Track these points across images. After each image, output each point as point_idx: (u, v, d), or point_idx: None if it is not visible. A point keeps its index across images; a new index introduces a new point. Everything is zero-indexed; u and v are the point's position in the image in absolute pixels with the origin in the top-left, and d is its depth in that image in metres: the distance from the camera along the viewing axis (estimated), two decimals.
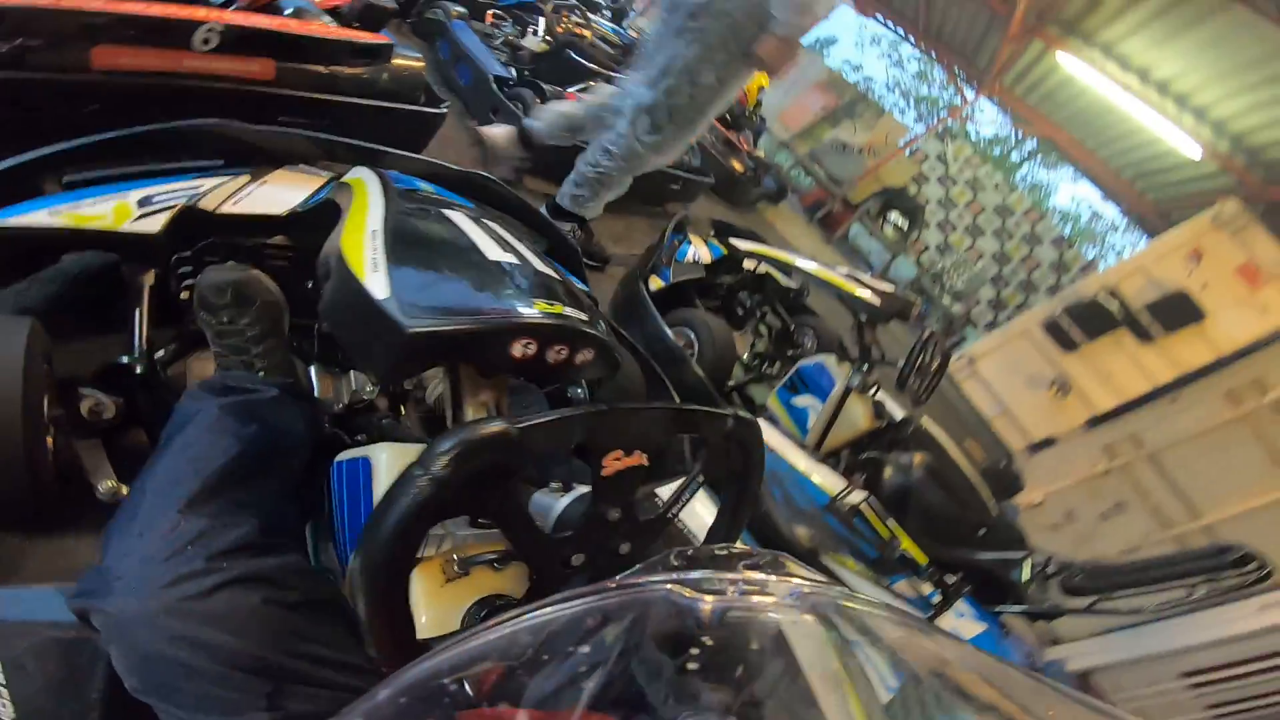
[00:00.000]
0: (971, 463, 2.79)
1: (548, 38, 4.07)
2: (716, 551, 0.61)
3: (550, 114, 3.01)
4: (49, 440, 1.04)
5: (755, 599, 0.50)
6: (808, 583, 0.51)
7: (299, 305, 1.38)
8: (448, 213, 1.22)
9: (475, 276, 1.00)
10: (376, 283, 0.87)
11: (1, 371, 0.95)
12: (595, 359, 0.97)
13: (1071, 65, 7.03)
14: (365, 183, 1.21)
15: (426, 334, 0.81)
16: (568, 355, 0.93)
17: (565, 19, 4.19)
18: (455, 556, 0.88)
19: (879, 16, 9.57)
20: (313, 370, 1.45)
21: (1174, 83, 6.29)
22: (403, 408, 1.60)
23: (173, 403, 1.26)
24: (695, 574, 0.50)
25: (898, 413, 2.72)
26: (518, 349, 0.87)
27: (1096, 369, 5.92)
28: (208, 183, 1.30)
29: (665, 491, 0.90)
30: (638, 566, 0.56)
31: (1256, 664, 2.36)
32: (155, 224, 1.18)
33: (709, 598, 0.48)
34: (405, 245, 0.98)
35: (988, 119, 11.62)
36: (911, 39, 9.63)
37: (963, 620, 1.86)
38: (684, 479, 0.83)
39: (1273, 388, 3.50)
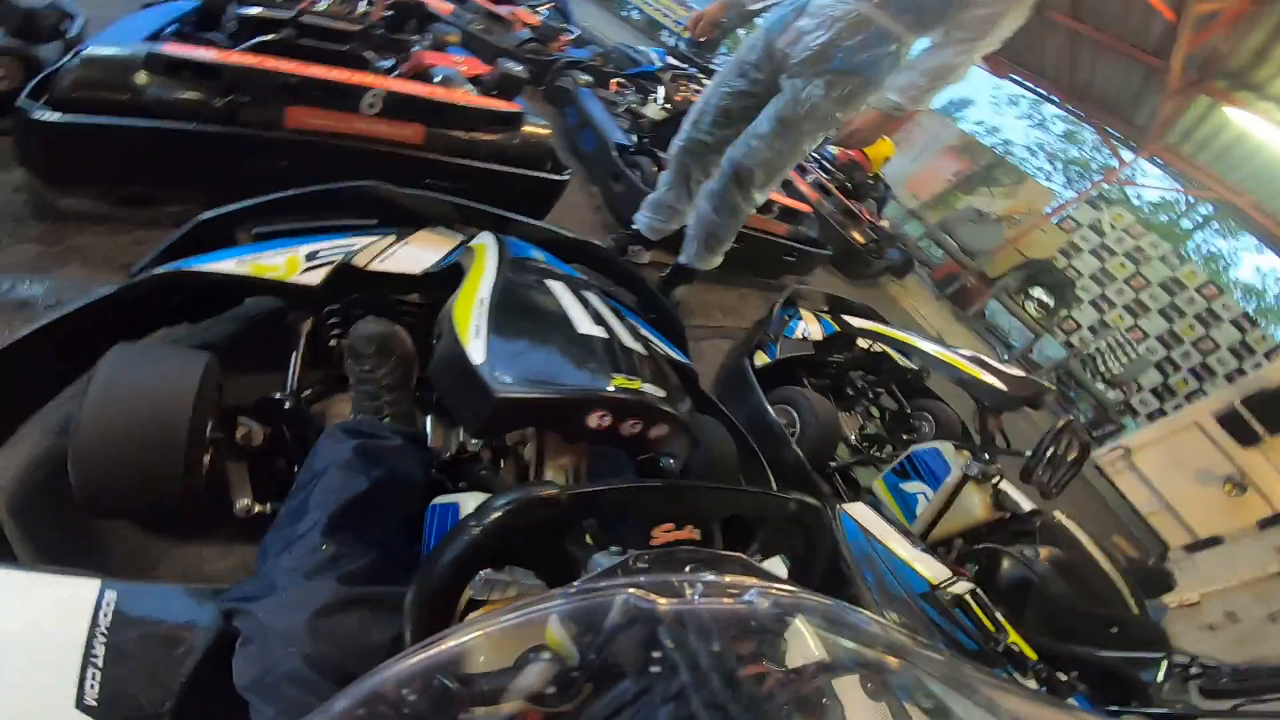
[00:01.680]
0: (1113, 559, 2.51)
1: (666, 106, 4.23)
2: (675, 554, 0.67)
3: (648, 213, 3.05)
4: (205, 458, 1.14)
5: (714, 601, 0.53)
6: (765, 584, 0.55)
7: (425, 359, 1.54)
8: (550, 283, 1.34)
9: (563, 348, 1.10)
10: (476, 348, 0.98)
11: (177, 396, 1.06)
12: (669, 434, 1.05)
13: (1243, 120, 6.49)
14: (485, 250, 1.35)
15: (511, 399, 0.92)
16: (641, 429, 1.01)
17: (683, 87, 4.34)
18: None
19: (1014, 77, 9.23)
20: (429, 419, 1.57)
21: None
22: (503, 461, 1.73)
23: (312, 437, 1.40)
24: (655, 578, 0.53)
25: (1024, 505, 2.52)
26: (593, 420, 0.97)
27: None
28: (360, 241, 1.47)
29: None
30: (597, 571, 0.62)
31: None
32: (317, 277, 1.34)
33: (666, 600, 0.50)
34: (506, 314, 1.10)
35: (1151, 182, 10.59)
36: (1055, 99, 9.19)
37: None
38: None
39: None
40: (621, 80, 4.64)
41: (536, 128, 2.52)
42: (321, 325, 1.49)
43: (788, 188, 5.06)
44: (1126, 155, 8.50)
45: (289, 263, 1.35)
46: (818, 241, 4.57)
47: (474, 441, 1.59)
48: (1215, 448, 5.50)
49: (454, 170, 2.25)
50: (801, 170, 6.21)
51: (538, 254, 1.54)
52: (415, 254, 1.52)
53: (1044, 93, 9.27)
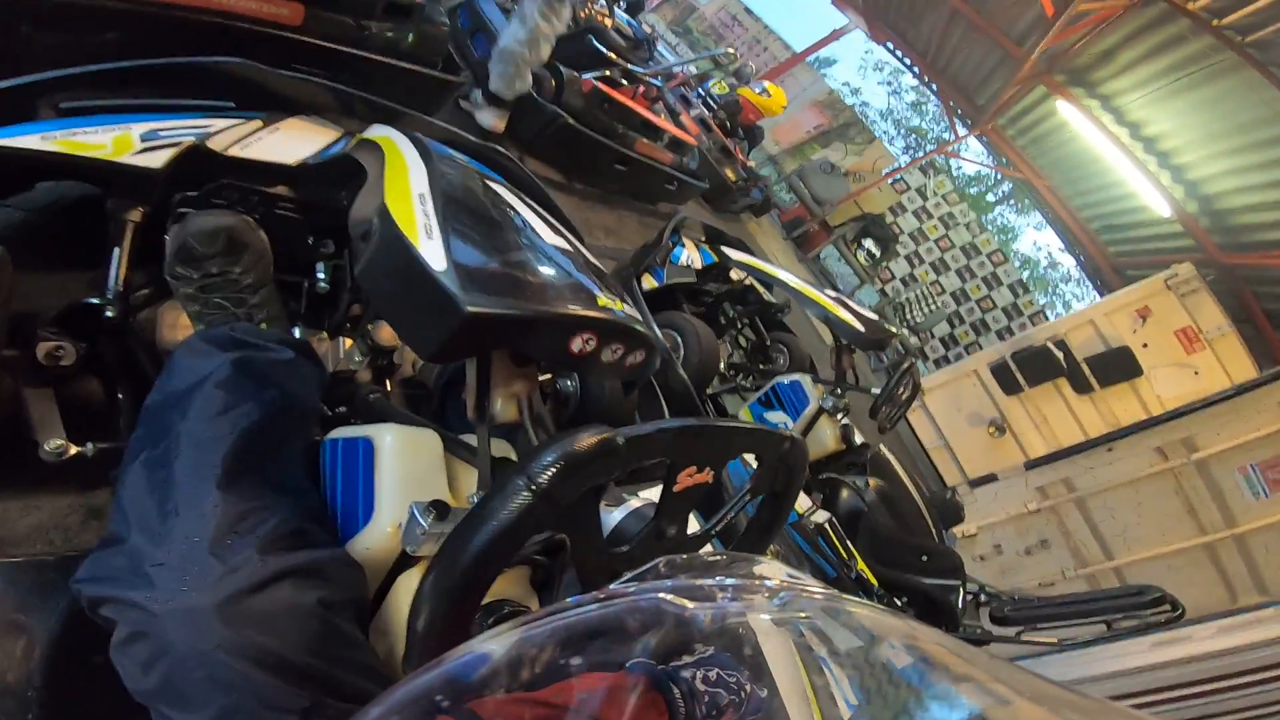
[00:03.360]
0: (920, 492, 2.94)
1: (570, 21, 4.00)
2: (709, 558, 0.62)
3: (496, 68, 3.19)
4: None
5: (744, 604, 0.50)
6: (796, 586, 0.52)
7: (292, 261, 1.31)
8: (494, 186, 1.16)
9: (533, 260, 0.93)
10: (432, 252, 0.80)
11: None
12: (644, 361, 0.95)
13: (1069, 113, 7.18)
14: (396, 143, 1.12)
15: (486, 315, 0.75)
16: (621, 355, 0.90)
17: (590, 4, 4.07)
18: None
19: (889, 45, 9.61)
20: (297, 332, 1.37)
21: (1162, 140, 6.52)
22: (388, 381, 1.53)
23: (139, 353, 1.17)
24: (687, 581, 0.50)
25: (859, 438, 2.83)
26: (577, 343, 0.84)
27: (1033, 413, 6.22)
28: (217, 123, 1.21)
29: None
30: (628, 575, 0.56)
31: (1144, 698, 2.53)
32: (158, 159, 1.09)
33: (699, 604, 0.48)
34: (459, 214, 0.91)
35: (972, 158, 11.80)
36: (916, 69, 9.67)
37: None
38: (735, 497, 0.85)
39: (1201, 448, 3.80)
40: None
41: (434, 24, 2.27)
42: (167, 217, 1.20)
43: (675, 119, 5.08)
44: (960, 130, 9.21)
45: (117, 141, 1.09)
46: (696, 174, 4.62)
47: (357, 359, 1.41)
48: (986, 394, 6.47)
49: (333, 58, 1.96)
50: (687, 104, 6.20)
51: (458, 155, 1.31)
52: (286, 142, 1.26)
53: (909, 62, 9.67)
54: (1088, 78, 6.87)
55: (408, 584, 0.83)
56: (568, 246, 1.03)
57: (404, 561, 0.84)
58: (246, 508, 0.75)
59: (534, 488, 0.57)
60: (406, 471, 0.88)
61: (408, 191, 0.93)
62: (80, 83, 1.19)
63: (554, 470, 0.58)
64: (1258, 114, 5.29)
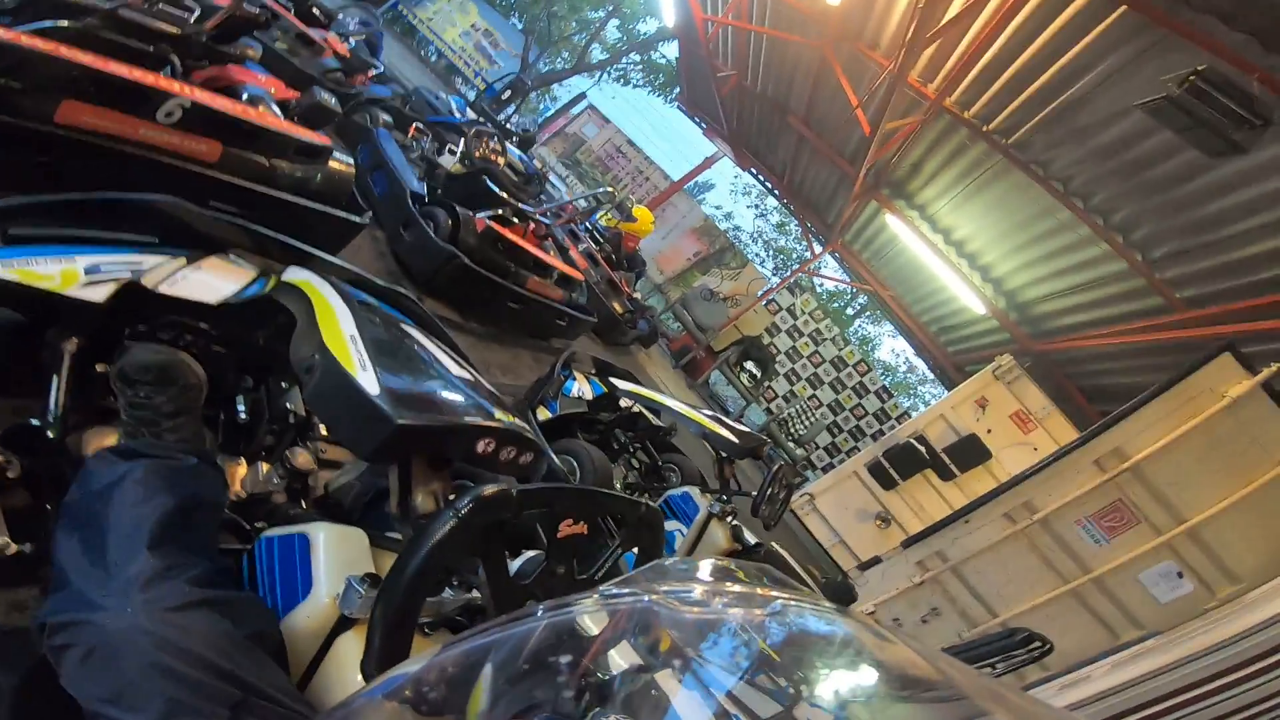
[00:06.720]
0: (814, 579, 3.16)
1: (465, 160, 4.23)
2: (701, 564, 0.69)
3: None
4: None
5: (737, 611, 0.54)
6: (786, 596, 0.56)
7: (214, 393, 1.42)
8: (407, 328, 1.40)
9: (443, 385, 1.19)
10: (368, 380, 1.02)
11: None
12: (533, 461, 1.20)
13: (895, 224, 7.95)
14: (319, 290, 1.29)
15: (411, 427, 0.97)
16: (515, 455, 1.15)
17: (484, 144, 4.32)
18: None
19: (753, 170, 10.59)
20: (221, 459, 1.47)
21: (968, 242, 7.37)
22: (304, 502, 1.64)
23: (66, 469, 1.28)
24: (679, 587, 0.54)
25: (751, 538, 3.06)
26: (480, 446, 1.08)
27: (911, 503, 6.79)
28: (148, 259, 1.33)
29: None
30: (621, 578, 0.61)
31: None
32: (100, 294, 1.21)
33: (693, 610, 0.51)
34: (384, 352, 1.13)
35: (830, 274, 12.94)
36: (777, 192, 10.64)
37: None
38: (610, 548, 1.09)
39: (1040, 508, 4.33)
40: (420, 126, 4.55)
41: (341, 165, 2.43)
42: (91, 346, 1.32)
43: (563, 254, 5.44)
44: (817, 248, 10.15)
45: (65, 274, 1.21)
46: (586, 308, 4.93)
47: (275, 481, 1.54)
48: (868, 491, 7.01)
49: (246, 195, 2.07)
50: (575, 238, 6.59)
51: (371, 299, 1.52)
52: (208, 280, 1.38)
53: (769, 185, 10.64)
54: (905, 189, 7.73)
55: (345, 645, 0.98)
56: (468, 376, 1.29)
57: (340, 626, 1.00)
58: (174, 561, 0.91)
59: (456, 517, 0.81)
60: (339, 556, 1.06)
61: (340, 333, 1.13)
62: (30, 211, 1.32)
63: (470, 506, 0.82)
64: (1031, 211, 6.02)
